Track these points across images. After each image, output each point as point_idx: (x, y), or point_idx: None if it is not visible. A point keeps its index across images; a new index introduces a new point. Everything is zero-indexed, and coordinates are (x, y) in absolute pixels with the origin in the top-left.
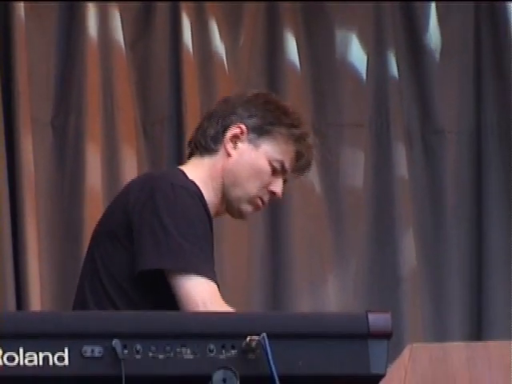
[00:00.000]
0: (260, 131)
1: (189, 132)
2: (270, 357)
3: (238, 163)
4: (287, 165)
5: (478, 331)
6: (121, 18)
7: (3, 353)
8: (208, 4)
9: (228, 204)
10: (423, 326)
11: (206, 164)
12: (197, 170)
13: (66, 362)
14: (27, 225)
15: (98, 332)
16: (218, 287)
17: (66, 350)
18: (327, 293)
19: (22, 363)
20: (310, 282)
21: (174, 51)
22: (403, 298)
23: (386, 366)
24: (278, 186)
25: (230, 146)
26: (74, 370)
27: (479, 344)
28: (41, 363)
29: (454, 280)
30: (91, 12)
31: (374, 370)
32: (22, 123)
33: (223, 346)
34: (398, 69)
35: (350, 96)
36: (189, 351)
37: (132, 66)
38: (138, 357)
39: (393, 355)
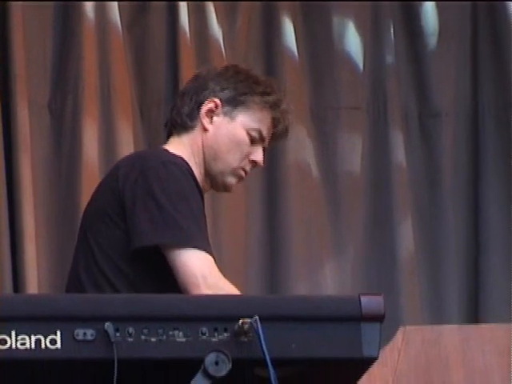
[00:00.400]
0: (234, 103)
1: None
2: (263, 340)
3: (216, 137)
4: (265, 133)
5: (475, 313)
6: None
7: None
8: None
9: (212, 178)
10: (421, 309)
11: (185, 142)
12: (179, 148)
13: (59, 345)
14: (24, 208)
15: (91, 315)
16: (215, 260)
17: (58, 333)
18: (325, 276)
19: (14, 346)
20: (308, 265)
21: (171, 34)
22: (401, 282)
23: (379, 349)
24: (258, 155)
25: (206, 120)
26: (67, 352)
27: (472, 326)
28: (33, 346)
29: (451, 263)
30: None
31: (367, 353)
32: (19, 106)
33: (216, 329)
34: (396, 53)
35: (347, 80)
36: (181, 334)
37: (129, 48)
38: (131, 340)
39: (390, 338)
